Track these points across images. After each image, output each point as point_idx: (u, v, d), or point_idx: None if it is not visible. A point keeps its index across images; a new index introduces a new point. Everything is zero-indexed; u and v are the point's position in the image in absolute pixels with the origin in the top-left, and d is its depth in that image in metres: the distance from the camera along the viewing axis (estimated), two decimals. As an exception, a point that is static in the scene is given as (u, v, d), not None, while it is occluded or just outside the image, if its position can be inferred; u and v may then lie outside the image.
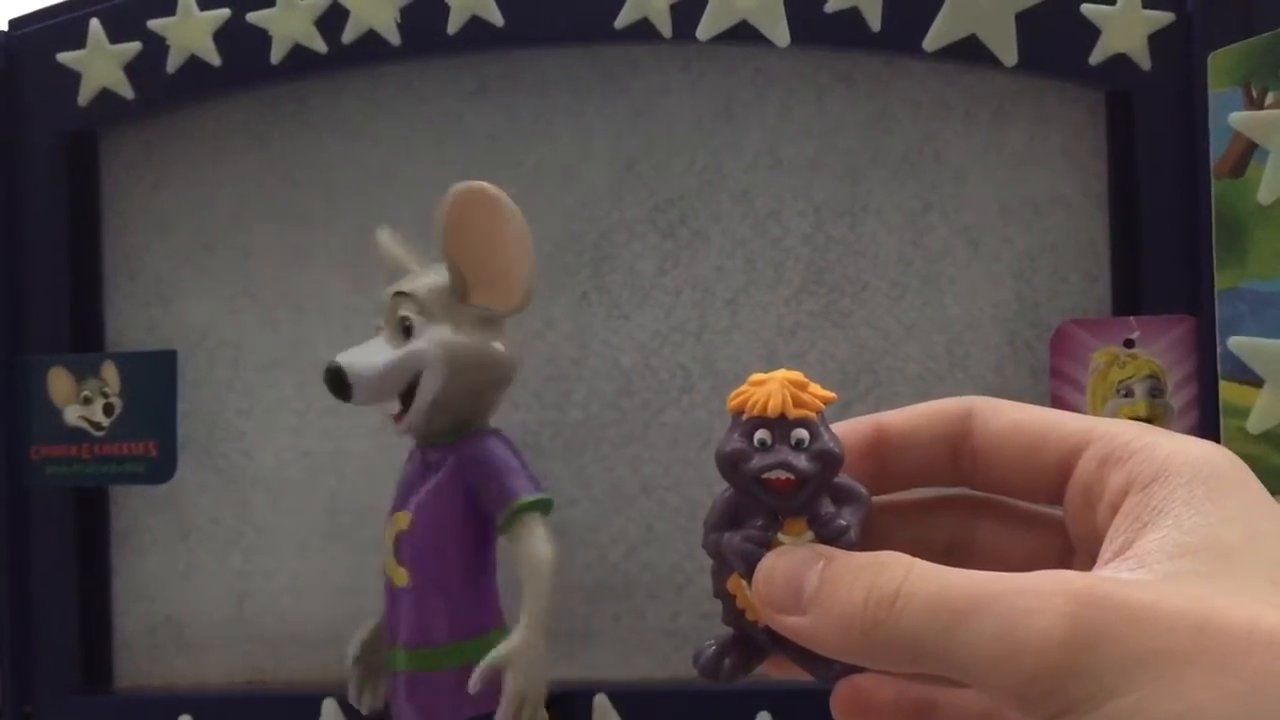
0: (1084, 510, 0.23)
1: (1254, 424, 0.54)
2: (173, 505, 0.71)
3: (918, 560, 0.22)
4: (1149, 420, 0.60)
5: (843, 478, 0.25)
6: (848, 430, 0.26)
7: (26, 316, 0.69)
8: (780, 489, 0.24)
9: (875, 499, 0.26)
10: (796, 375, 0.24)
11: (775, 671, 0.26)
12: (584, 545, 0.68)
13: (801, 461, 0.23)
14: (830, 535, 0.24)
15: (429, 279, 0.58)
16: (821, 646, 0.22)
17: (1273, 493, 0.22)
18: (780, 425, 0.24)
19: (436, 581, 0.57)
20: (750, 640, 0.25)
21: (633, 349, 0.69)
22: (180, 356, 0.68)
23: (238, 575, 0.71)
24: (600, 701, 0.61)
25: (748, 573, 0.24)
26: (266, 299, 0.71)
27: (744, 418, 0.24)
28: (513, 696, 0.54)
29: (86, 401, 0.67)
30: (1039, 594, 0.19)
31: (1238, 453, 0.23)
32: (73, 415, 0.67)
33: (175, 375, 0.67)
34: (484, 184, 0.55)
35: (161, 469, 0.66)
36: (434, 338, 0.56)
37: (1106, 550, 0.22)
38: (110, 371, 0.67)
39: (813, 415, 0.24)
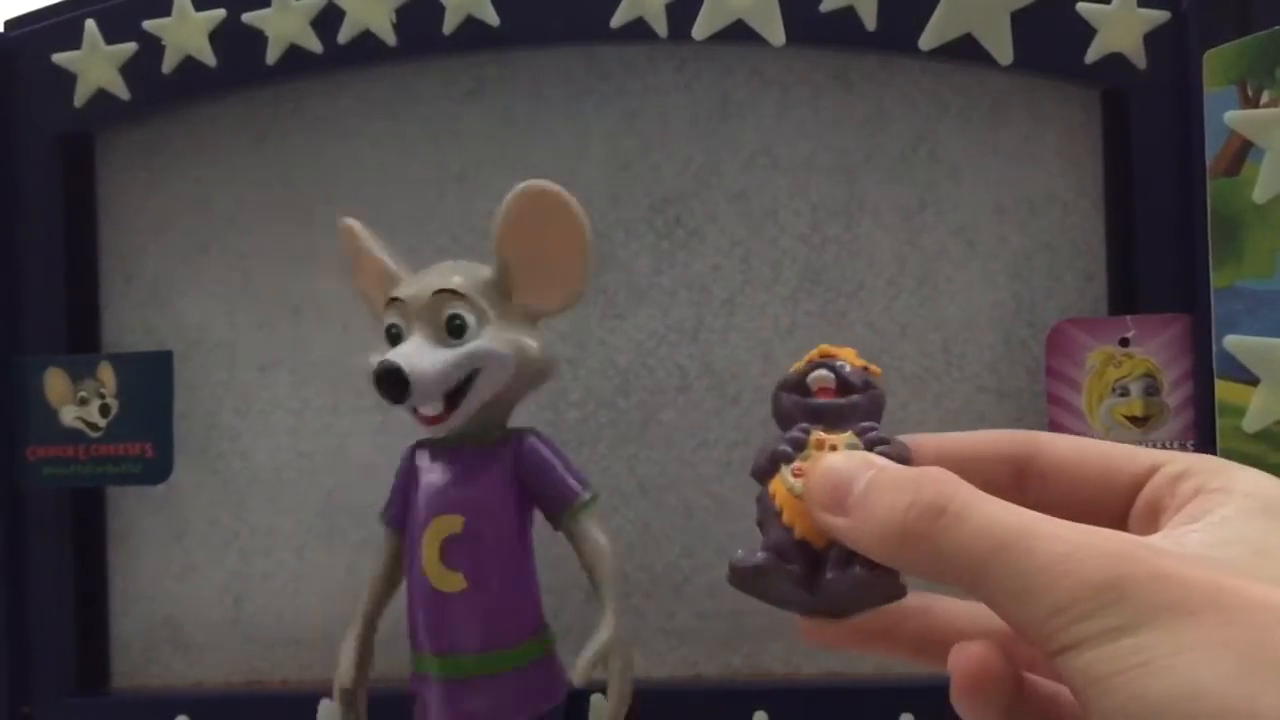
0: (1147, 523, 0.25)
1: (1250, 423, 0.54)
2: (169, 506, 0.71)
3: (965, 483, 0.23)
4: (1144, 418, 0.61)
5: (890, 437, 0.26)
6: (910, 445, 0.27)
7: (23, 317, 0.69)
8: (823, 395, 0.27)
9: None
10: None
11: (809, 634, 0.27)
12: (581, 545, 0.68)
13: (845, 370, 0.27)
14: (872, 442, 0.26)
15: (472, 276, 0.55)
16: (859, 547, 0.24)
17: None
18: (829, 359, 0.27)
19: (498, 584, 0.56)
20: (784, 554, 0.26)
21: (629, 349, 0.69)
22: (176, 357, 0.68)
23: (234, 576, 0.71)
24: (598, 701, 0.61)
25: (795, 451, 0.26)
26: (263, 300, 0.71)
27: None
28: (622, 680, 0.55)
29: (83, 402, 0.67)
30: (1081, 545, 0.21)
31: (1234, 452, 0.24)
32: (69, 416, 0.67)
33: (171, 376, 0.67)
34: (547, 183, 0.54)
35: (158, 469, 0.66)
36: (500, 337, 0.54)
37: (1156, 535, 0.23)
38: (106, 372, 0.67)
39: (859, 365, 0.27)
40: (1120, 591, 0.20)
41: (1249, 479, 0.24)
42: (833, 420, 0.26)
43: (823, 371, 0.27)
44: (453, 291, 0.54)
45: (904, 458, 0.26)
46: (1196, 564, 0.21)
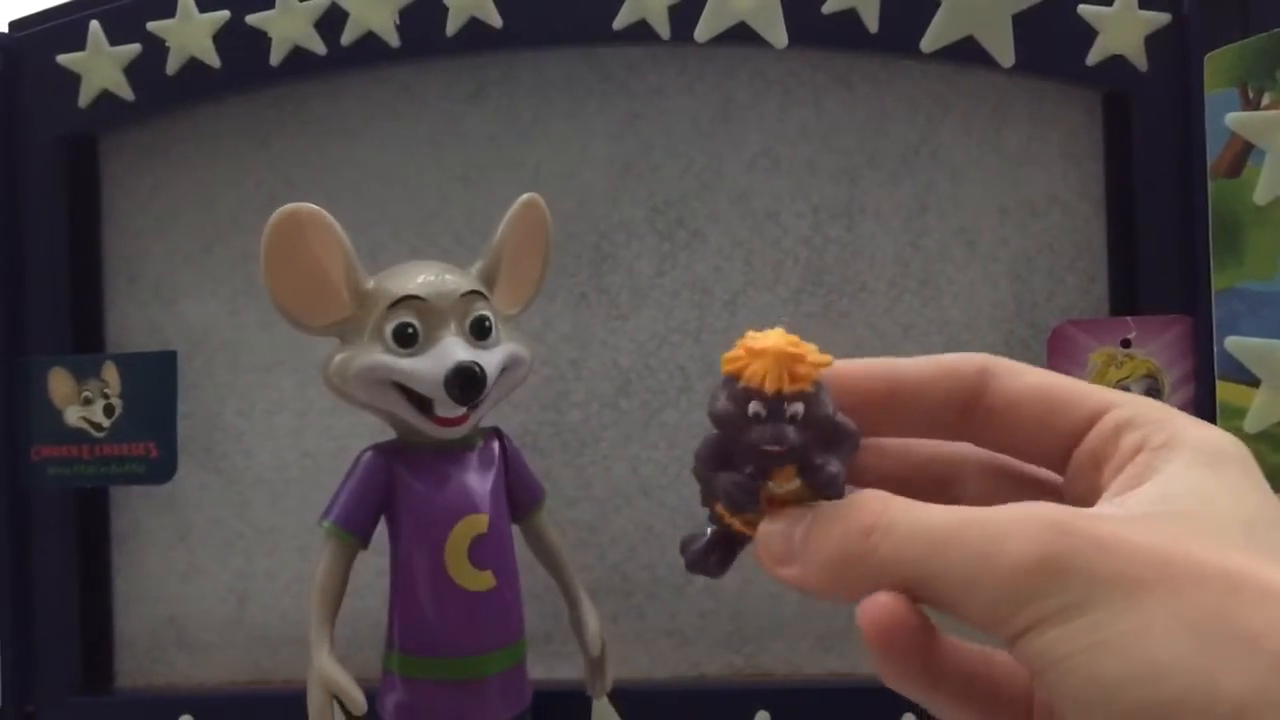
0: (1090, 471, 0.24)
1: (1251, 423, 0.54)
2: (173, 506, 0.71)
3: (894, 496, 0.23)
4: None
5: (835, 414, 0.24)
6: (860, 372, 0.26)
7: (27, 318, 0.69)
8: (771, 455, 0.24)
9: (875, 440, 0.27)
10: (792, 345, 0.24)
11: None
12: (583, 545, 0.69)
13: (793, 434, 0.24)
14: (819, 484, 0.24)
15: (475, 279, 0.56)
16: (812, 591, 0.24)
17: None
18: (775, 400, 0.23)
19: (514, 581, 0.57)
20: (734, 537, 0.26)
21: (631, 349, 0.69)
22: (180, 357, 0.68)
23: (238, 575, 0.71)
24: (599, 701, 0.62)
25: (734, 512, 0.25)
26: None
27: (739, 384, 0.24)
28: (608, 655, 0.60)
29: (87, 402, 0.67)
30: (1015, 521, 0.21)
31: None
32: (73, 416, 0.67)
33: (175, 376, 0.67)
34: (536, 195, 0.57)
35: (162, 469, 0.67)
36: (519, 340, 0.56)
37: (1099, 502, 0.23)
38: (111, 372, 0.67)
39: (808, 387, 0.24)
40: (1062, 564, 0.20)
41: (1193, 435, 0.23)
42: (782, 460, 0.24)
43: (772, 445, 0.23)
44: (479, 293, 0.55)
45: (852, 455, 0.24)
46: (1140, 527, 0.20)
